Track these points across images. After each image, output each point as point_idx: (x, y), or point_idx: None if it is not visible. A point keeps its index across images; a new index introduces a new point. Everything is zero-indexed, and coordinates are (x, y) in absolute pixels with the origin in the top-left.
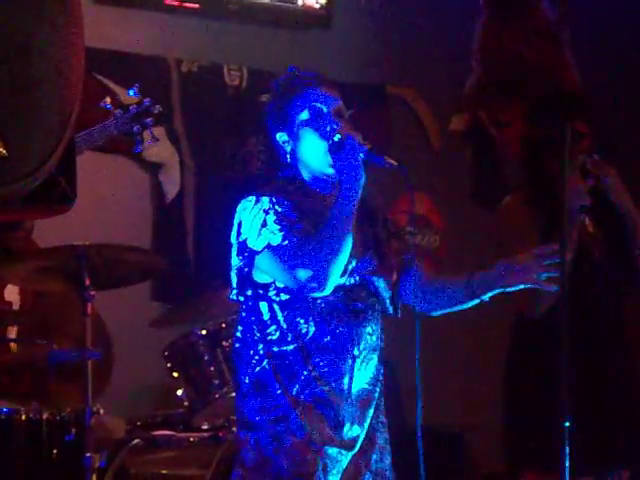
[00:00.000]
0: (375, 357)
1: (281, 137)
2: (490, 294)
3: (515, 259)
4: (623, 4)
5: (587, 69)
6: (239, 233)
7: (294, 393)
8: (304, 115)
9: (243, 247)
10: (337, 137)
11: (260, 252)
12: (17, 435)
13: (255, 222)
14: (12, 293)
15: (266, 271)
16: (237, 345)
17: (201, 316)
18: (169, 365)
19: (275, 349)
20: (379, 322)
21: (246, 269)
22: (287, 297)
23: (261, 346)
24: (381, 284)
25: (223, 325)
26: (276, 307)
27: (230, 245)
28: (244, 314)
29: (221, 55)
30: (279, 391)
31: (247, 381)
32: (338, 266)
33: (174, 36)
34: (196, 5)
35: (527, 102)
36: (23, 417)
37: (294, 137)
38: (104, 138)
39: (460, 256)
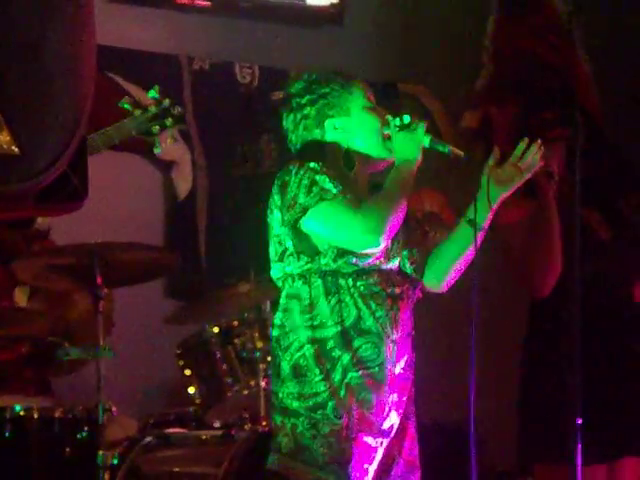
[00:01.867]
0: (409, 344)
1: (333, 123)
2: (486, 213)
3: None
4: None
5: (600, 66)
6: (286, 192)
7: (335, 379)
8: (364, 100)
9: (292, 204)
10: (407, 118)
11: (314, 206)
12: (30, 433)
13: (304, 181)
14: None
15: (321, 226)
16: (276, 332)
17: (213, 314)
18: (181, 363)
19: (317, 335)
20: (413, 307)
21: (299, 224)
22: (330, 273)
23: (302, 332)
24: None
25: (235, 323)
26: (316, 292)
27: (270, 212)
28: (283, 301)
29: (233, 53)
30: (318, 378)
31: (286, 368)
32: (393, 225)
33: (186, 34)
34: (207, 3)
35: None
36: (36, 415)
37: (353, 123)
38: (122, 137)
39: None
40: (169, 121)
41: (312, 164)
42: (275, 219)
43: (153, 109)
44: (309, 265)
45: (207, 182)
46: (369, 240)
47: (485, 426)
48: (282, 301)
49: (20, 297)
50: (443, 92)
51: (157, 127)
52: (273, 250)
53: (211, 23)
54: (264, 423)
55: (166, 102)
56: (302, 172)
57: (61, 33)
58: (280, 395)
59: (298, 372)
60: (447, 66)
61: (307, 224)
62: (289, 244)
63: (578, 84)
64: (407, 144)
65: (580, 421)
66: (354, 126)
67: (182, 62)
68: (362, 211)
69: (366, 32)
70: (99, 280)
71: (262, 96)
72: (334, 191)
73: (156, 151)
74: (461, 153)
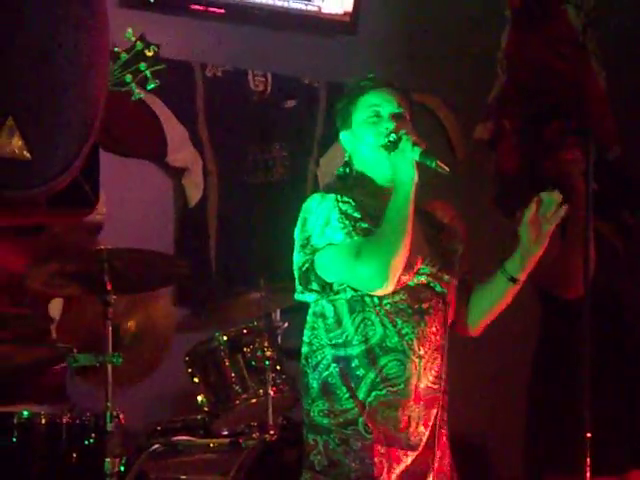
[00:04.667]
0: (439, 356)
1: (344, 137)
2: (523, 269)
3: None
4: None
5: (615, 77)
6: (303, 230)
7: (361, 397)
8: (363, 115)
9: (306, 244)
10: (392, 136)
11: (321, 249)
12: (37, 439)
13: (319, 220)
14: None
15: (327, 269)
16: (305, 350)
17: (223, 322)
18: (190, 370)
19: (341, 353)
20: (443, 321)
21: (306, 266)
22: (352, 297)
23: (328, 350)
24: (444, 282)
25: (245, 331)
26: (341, 310)
27: (294, 242)
28: (310, 319)
29: (246, 60)
30: (347, 395)
31: (315, 386)
32: (398, 264)
33: (199, 41)
34: (221, 10)
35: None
36: (43, 421)
37: (355, 136)
38: None
39: (483, 265)
40: (142, 65)
41: (331, 198)
42: (296, 246)
43: (123, 56)
44: (332, 286)
45: (218, 189)
46: (374, 285)
47: (492, 436)
48: (309, 319)
49: (54, 309)
50: (456, 103)
51: (129, 75)
52: (295, 269)
53: (225, 30)
54: (272, 432)
55: (139, 45)
56: (320, 209)
57: (75, 40)
58: (311, 414)
59: (327, 390)
60: (460, 76)
61: (316, 266)
62: (307, 268)
63: (591, 98)
64: (399, 164)
65: (590, 435)
66: (355, 140)
67: (195, 69)
68: (365, 255)
69: (380, 41)
70: (109, 287)
71: (275, 104)
72: (341, 234)
73: (135, 98)
74: (447, 169)
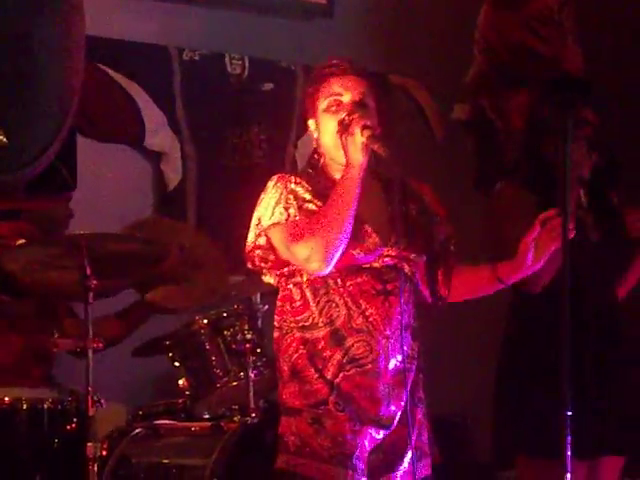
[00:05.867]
0: (408, 335)
1: (310, 124)
2: (514, 276)
3: (525, 239)
4: None
5: (592, 56)
6: (257, 210)
7: (329, 377)
8: (324, 103)
9: (257, 223)
10: (345, 122)
11: (268, 229)
12: (18, 424)
13: (271, 200)
14: None
15: (273, 249)
16: (275, 334)
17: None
18: (170, 354)
19: (308, 335)
20: (410, 301)
21: (251, 246)
22: (314, 280)
23: (296, 333)
24: (412, 262)
25: (225, 314)
26: (306, 293)
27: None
28: (278, 303)
29: (223, 44)
30: (316, 375)
31: (286, 369)
32: (334, 245)
33: (176, 25)
34: None
35: (531, 90)
36: (24, 406)
37: (319, 124)
38: None
39: (462, 246)
40: None
41: (287, 177)
42: (250, 227)
43: None
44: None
45: (197, 173)
46: (310, 265)
47: (469, 418)
48: (278, 303)
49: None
50: (433, 84)
51: None
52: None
53: (201, 14)
54: (253, 415)
55: None
56: (273, 190)
57: (51, 25)
58: (284, 396)
59: (296, 372)
60: (437, 58)
61: (262, 246)
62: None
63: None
64: (348, 148)
65: (570, 413)
66: (319, 128)
67: (172, 53)
68: (303, 236)
69: (356, 24)
70: (88, 271)
71: (252, 87)
72: (285, 214)
73: None
74: (383, 153)
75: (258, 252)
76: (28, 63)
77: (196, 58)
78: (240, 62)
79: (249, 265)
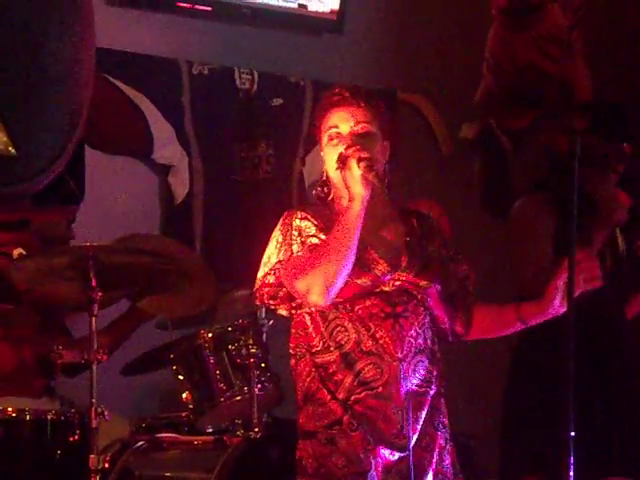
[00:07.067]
0: (424, 358)
1: (322, 155)
2: (538, 319)
3: (553, 283)
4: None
5: (602, 77)
6: (268, 248)
7: (342, 399)
8: (325, 137)
9: (266, 261)
10: (342, 156)
11: (274, 267)
12: (22, 435)
13: (278, 238)
14: None
15: (280, 285)
16: (292, 362)
17: (208, 319)
18: (174, 368)
19: (319, 360)
20: (425, 324)
21: (259, 283)
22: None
23: (308, 358)
24: (421, 288)
25: (230, 328)
26: (316, 319)
27: None
28: (293, 330)
29: (232, 58)
30: (329, 397)
31: (301, 393)
32: (336, 278)
33: (186, 38)
34: (208, 8)
35: (539, 110)
36: (28, 417)
37: (323, 157)
38: None
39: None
40: None
41: (291, 216)
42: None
43: None
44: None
45: (204, 187)
46: (312, 300)
47: (473, 437)
48: (292, 330)
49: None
50: (442, 102)
51: None
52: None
53: (211, 28)
54: (256, 429)
55: None
56: (281, 226)
57: (61, 36)
58: (300, 420)
59: (310, 395)
60: (446, 76)
61: (271, 283)
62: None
63: (578, 97)
64: (349, 182)
65: (573, 434)
66: (325, 160)
67: (181, 66)
68: (306, 268)
69: (366, 40)
70: (94, 283)
71: (261, 102)
72: (289, 250)
73: None
74: (379, 185)
75: (267, 290)
76: (37, 73)
77: (205, 72)
78: (249, 77)
79: (257, 302)
